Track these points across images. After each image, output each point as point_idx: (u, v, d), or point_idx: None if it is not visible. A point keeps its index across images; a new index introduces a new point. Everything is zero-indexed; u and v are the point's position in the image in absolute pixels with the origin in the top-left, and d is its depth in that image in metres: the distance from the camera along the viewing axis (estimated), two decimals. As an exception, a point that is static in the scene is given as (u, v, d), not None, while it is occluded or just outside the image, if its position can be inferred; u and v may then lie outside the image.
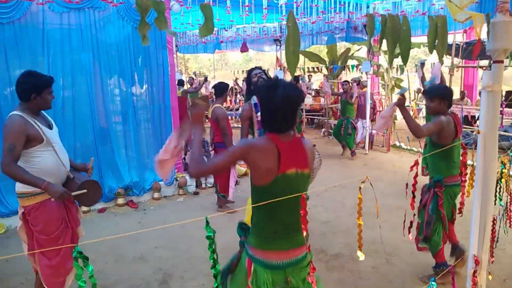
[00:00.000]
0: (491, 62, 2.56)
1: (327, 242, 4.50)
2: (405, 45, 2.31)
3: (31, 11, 5.02)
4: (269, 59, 30.33)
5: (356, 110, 9.66)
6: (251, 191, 2.04)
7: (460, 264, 3.64)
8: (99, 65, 5.60)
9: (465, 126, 9.05)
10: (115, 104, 5.83)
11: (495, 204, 3.08)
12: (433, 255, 3.62)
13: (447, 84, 7.84)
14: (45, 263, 2.94)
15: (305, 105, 13.23)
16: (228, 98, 15.04)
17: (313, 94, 14.32)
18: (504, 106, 8.07)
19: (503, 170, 3.55)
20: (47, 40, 5.17)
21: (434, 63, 8.38)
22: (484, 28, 2.61)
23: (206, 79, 11.31)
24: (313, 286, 2.00)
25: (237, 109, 14.68)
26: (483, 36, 2.82)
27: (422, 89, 7.66)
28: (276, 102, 1.91)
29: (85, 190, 2.88)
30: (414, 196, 2.73)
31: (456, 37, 9.73)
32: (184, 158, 6.97)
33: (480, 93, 7.19)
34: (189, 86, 12.37)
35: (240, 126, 4.69)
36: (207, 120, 6.98)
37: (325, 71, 14.21)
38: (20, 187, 2.81)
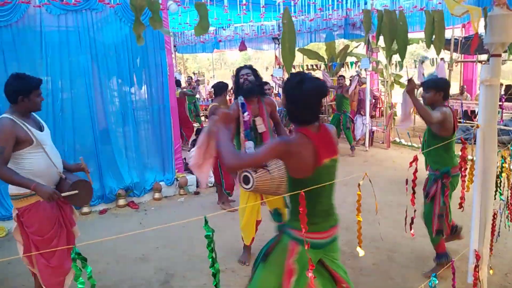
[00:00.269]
0: (489, 56, 2.55)
1: (328, 239, 4.49)
2: (402, 41, 2.31)
3: (29, 14, 5.02)
4: (268, 58, 30.30)
5: (357, 105, 9.65)
6: (289, 182, 2.16)
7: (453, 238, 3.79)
8: (98, 67, 5.59)
9: (465, 121, 9.03)
10: (114, 105, 5.82)
11: (495, 198, 3.08)
12: (434, 246, 3.66)
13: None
14: (43, 263, 2.96)
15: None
16: (228, 97, 15.03)
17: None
18: (503, 100, 8.06)
19: (504, 165, 3.55)
20: (45, 43, 5.17)
21: (438, 63, 8.38)
22: (482, 22, 2.60)
23: (198, 84, 11.42)
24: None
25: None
26: (481, 30, 2.81)
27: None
28: (304, 96, 2.03)
29: (76, 191, 2.88)
30: (414, 192, 2.72)
31: (454, 32, 9.71)
32: (185, 158, 6.97)
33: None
34: (187, 85, 12.36)
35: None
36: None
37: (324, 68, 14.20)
38: (13, 189, 2.83)
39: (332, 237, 2.21)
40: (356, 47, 14.84)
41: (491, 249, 3.43)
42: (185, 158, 6.92)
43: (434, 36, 2.45)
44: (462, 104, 9.39)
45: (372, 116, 9.44)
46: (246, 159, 2.08)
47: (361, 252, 2.29)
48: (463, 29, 11.80)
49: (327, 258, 2.23)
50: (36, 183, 2.73)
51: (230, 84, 9.42)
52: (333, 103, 12.29)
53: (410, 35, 10.95)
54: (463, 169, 2.81)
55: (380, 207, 5.15)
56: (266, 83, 5.86)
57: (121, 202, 5.75)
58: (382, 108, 11.52)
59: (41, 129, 2.96)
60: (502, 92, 9.79)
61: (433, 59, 10.50)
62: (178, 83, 9.86)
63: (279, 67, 11.19)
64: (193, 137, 9.35)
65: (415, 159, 2.33)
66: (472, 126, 8.76)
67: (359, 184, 2.25)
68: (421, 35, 10.83)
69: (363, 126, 9.57)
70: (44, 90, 5.22)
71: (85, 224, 5.18)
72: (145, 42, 5.76)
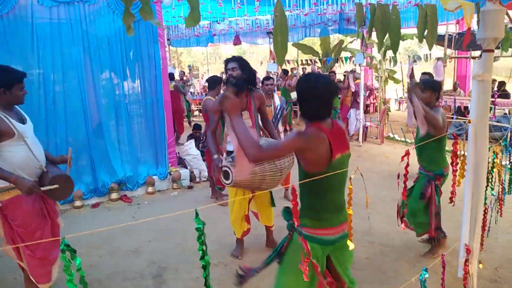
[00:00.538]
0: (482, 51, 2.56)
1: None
2: (395, 35, 2.31)
3: (20, 5, 4.96)
4: (262, 52, 30.23)
5: (352, 97, 9.65)
6: (302, 177, 2.15)
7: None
8: (90, 60, 5.54)
9: (458, 117, 9.07)
10: (107, 98, 5.78)
11: (486, 193, 3.10)
12: (421, 235, 3.88)
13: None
14: (28, 254, 2.97)
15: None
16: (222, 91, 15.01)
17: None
18: (496, 96, 8.09)
19: (495, 160, 3.58)
20: (36, 35, 5.10)
21: (435, 63, 8.38)
22: (475, 17, 2.61)
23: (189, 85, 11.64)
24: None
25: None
26: (474, 26, 2.81)
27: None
28: (317, 93, 2.10)
29: (56, 186, 2.85)
30: (405, 187, 2.74)
31: (448, 28, 9.72)
32: (178, 153, 6.95)
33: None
34: (179, 79, 12.32)
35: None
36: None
37: (318, 64, 14.19)
38: None
39: (341, 233, 2.23)
40: (351, 42, 14.83)
41: (482, 244, 3.46)
42: (178, 153, 6.91)
43: (426, 31, 2.45)
44: (455, 100, 9.42)
45: (366, 112, 9.45)
46: (267, 151, 2.12)
47: (351, 245, 2.30)
48: (457, 25, 11.82)
49: (335, 254, 2.24)
50: (16, 176, 2.72)
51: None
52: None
53: (404, 31, 10.98)
54: (454, 164, 2.82)
55: (373, 202, 5.18)
56: (269, 77, 5.82)
57: (114, 196, 5.73)
58: (376, 104, 11.53)
59: (23, 121, 2.93)
60: (495, 89, 9.84)
61: (426, 55, 10.53)
62: (171, 76, 9.81)
63: (274, 62, 11.16)
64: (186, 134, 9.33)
65: (407, 153, 2.33)
66: (465, 122, 8.79)
67: (350, 178, 2.26)
68: (416, 31, 10.82)
69: (357, 121, 9.59)
70: (36, 83, 5.19)
71: (77, 218, 5.17)
72: (138, 35, 5.82)
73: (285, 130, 6.10)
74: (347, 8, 10.02)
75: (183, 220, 4.68)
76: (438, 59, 8.63)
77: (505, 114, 9.51)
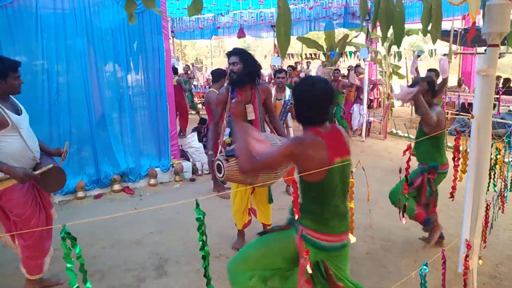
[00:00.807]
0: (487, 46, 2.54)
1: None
2: (399, 28, 2.29)
3: (24, -5, 4.95)
4: (267, 46, 30.12)
5: (355, 91, 9.62)
6: (301, 186, 2.14)
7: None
8: (94, 51, 5.54)
9: (462, 113, 9.03)
10: (110, 90, 5.77)
11: (488, 189, 3.10)
12: (413, 219, 3.87)
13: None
14: (22, 243, 3.00)
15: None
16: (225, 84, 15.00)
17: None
18: (501, 93, 8.05)
19: (498, 156, 3.57)
20: (40, 25, 5.10)
21: (440, 59, 8.33)
22: (481, 12, 2.58)
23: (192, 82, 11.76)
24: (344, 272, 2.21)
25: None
26: (480, 22, 2.79)
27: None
28: (314, 97, 2.06)
29: (50, 166, 2.83)
30: (407, 181, 2.73)
31: (454, 24, 9.65)
32: (181, 145, 6.96)
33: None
34: (184, 73, 12.31)
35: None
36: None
37: (323, 58, 14.13)
38: None
39: (342, 242, 2.18)
40: (356, 36, 14.74)
41: (485, 241, 3.46)
42: (181, 145, 6.92)
43: (431, 25, 2.43)
44: (459, 96, 9.38)
45: (369, 107, 9.42)
46: (259, 163, 2.11)
47: (352, 238, 2.30)
48: (463, 20, 11.73)
49: (331, 262, 2.19)
50: (8, 165, 2.72)
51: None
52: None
53: (410, 26, 10.90)
54: (456, 159, 2.81)
55: (375, 197, 5.17)
56: (282, 70, 5.77)
57: (116, 187, 5.75)
58: (379, 99, 11.49)
59: (18, 112, 2.92)
60: (500, 85, 9.78)
61: (431, 50, 10.45)
62: (175, 70, 9.78)
63: (278, 56, 11.13)
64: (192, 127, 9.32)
65: (409, 147, 2.33)
66: (468, 118, 8.73)
67: (351, 172, 2.26)
68: (421, 25, 10.76)
69: (360, 116, 9.56)
70: (40, 73, 5.19)
71: (80, 208, 5.19)
72: (142, 26, 5.80)
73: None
74: (352, 2, 9.97)
75: (185, 213, 4.69)
76: (443, 55, 8.58)
77: (510, 111, 9.46)
